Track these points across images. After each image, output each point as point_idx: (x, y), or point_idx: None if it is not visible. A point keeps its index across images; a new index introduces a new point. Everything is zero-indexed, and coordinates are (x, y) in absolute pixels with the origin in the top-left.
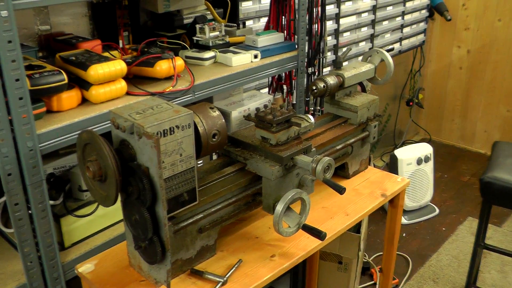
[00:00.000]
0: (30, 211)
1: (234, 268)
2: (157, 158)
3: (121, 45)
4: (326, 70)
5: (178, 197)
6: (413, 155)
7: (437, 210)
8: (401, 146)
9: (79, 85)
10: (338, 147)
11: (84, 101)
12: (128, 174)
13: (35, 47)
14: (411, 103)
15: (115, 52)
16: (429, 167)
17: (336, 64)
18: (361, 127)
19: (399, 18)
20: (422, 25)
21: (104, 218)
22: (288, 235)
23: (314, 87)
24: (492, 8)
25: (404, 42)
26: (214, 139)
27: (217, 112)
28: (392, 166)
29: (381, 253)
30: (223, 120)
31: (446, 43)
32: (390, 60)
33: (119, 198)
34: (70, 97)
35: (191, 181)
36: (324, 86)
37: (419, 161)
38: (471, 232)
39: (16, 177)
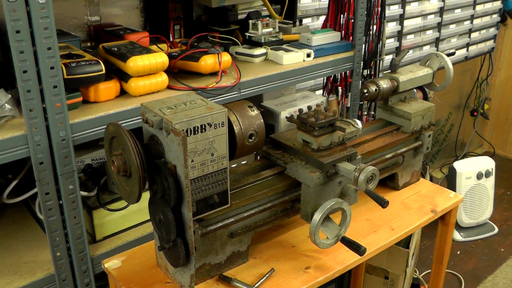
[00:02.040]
0: (60, 201)
1: (265, 278)
2: (183, 156)
3: (170, 39)
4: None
5: (208, 198)
6: (473, 169)
7: (496, 229)
8: (462, 158)
9: (119, 76)
10: (387, 156)
11: (123, 93)
12: (154, 172)
13: (78, 37)
14: (475, 113)
15: (163, 45)
16: (490, 183)
17: (392, 67)
18: (414, 136)
19: (467, 22)
20: (492, 30)
21: (138, 213)
22: (325, 247)
23: (365, 90)
24: None
25: (472, 48)
26: (250, 140)
27: (256, 111)
28: (451, 179)
29: None
30: (262, 120)
31: None
32: (450, 65)
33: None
34: (108, 88)
35: (223, 182)
36: (376, 89)
37: (479, 176)
38: None
39: (47, 166)
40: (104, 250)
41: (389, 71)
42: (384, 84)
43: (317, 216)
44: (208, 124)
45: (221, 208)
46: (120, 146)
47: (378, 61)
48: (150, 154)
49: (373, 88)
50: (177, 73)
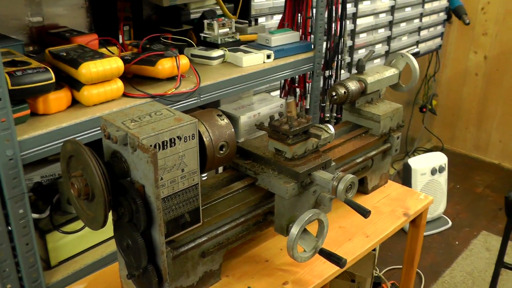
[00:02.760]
0: (9, 227)
1: None
2: (153, 175)
3: (120, 41)
4: (343, 73)
5: (179, 218)
6: (428, 165)
7: (450, 223)
8: (413, 153)
9: (70, 84)
10: (358, 161)
11: (75, 103)
12: (119, 193)
13: (21, 41)
14: (424, 109)
15: (113, 48)
16: (443, 178)
17: (358, 68)
18: (383, 139)
19: (417, 20)
20: (439, 28)
21: (96, 234)
22: (303, 261)
23: (334, 93)
24: None
25: (421, 45)
26: (221, 152)
27: (226, 120)
28: (406, 176)
29: (393, 267)
30: (233, 130)
31: (462, 48)
32: (416, 65)
33: (110, 217)
34: (59, 98)
35: (194, 200)
36: (345, 92)
37: (433, 171)
38: (486, 247)
39: None
40: (60, 277)
41: (356, 72)
42: (353, 86)
43: (295, 230)
44: (177, 137)
45: (192, 227)
46: (80, 166)
47: (340, 61)
48: (114, 174)
49: (342, 90)
50: (131, 78)
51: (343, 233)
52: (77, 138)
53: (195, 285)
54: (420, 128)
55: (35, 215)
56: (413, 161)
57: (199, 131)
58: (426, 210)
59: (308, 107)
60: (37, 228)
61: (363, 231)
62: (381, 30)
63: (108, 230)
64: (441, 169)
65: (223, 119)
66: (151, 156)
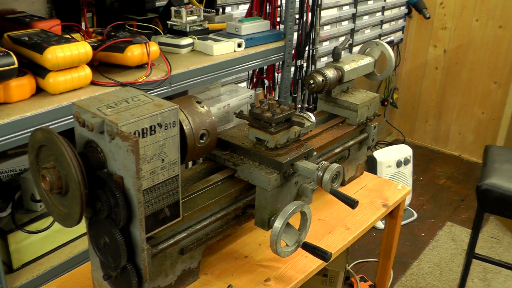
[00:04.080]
0: None
1: None
2: (135, 165)
3: (84, 28)
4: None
5: (158, 213)
6: (393, 157)
7: (416, 215)
8: (374, 146)
9: (33, 71)
10: (336, 151)
11: (40, 91)
12: (96, 186)
13: None
14: (385, 103)
15: (77, 35)
16: (408, 170)
17: (334, 56)
18: (360, 128)
19: (379, 14)
20: (401, 22)
21: (63, 232)
22: (286, 256)
23: (311, 81)
24: (469, 8)
25: (383, 39)
26: (202, 141)
27: (206, 108)
28: (371, 169)
29: (361, 260)
30: (213, 118)
31: (422, 42)
32: (392, 53)
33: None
34: (21, 85)
35: (174, 192)
36: (323, 80)
37: (398, 164)
38: (451, 238)
39: None
40: (24, 281)
41: (332, 60)
42: (330, 74)
43: (278, 224)
44: (158, 124)
45: (172, 222)
46: (52, 156)
47: (312, 50)
48: (89, 165)
49: (319, 78)
50: (97, 66)
51: (322, 225)
52: None
53: (173, 285)
54: (382, 121)
55: None
56: (378, 154)
57: (179, 119)
58: (404, 201)
59: (277, 98)
60: None
61: (343, 223)
62: (345, 23)
63: (76, 228)
64: (406, 161)
65: (203, 106)
66: (132, 144)
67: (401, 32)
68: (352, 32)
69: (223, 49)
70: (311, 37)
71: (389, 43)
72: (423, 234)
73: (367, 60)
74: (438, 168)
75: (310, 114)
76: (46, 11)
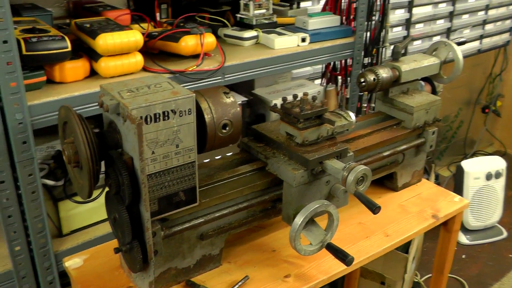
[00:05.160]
0: (19, 191)
1: (237, 286)
2: (138, 147)
3: (156, 19)
4: None
5: (172, 196)
6: (483, 169)
7: (505, 233)
8: (472, 156)
9: (89, 55)
10: (384, 154)
11: (94, 74)
12: (108, 163)
13: (49, 11)
14: (487, 110)
15: (145, 25)
16: (499, 184)
17: (393, 55)
18: (417, 133)
19: (481, 13)
20: (508, 22)
21: None
22: (308, 254)
23: (362, 80)
24: None
25: (485, 40)
26: (224, 131)
27: (232, 99)
28: (458, 179)
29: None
30: (238, 109)
31: None
32: (460, 55)
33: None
34: (75, 67)
35: (190, 178)
36: (374, 79)
37: (488, 176)
38: None
39: (2, 153)
40: (69, 246)
41: (391, 59)
42: (384, 73)
43: (298, 220)
44: (171, 111)
45: (188, 207)
46: (72, 133)
47: (381, 49)
48: (106, 144)
49: (371, 77)
50: (157, 54)
51: (361, 229)
52: (89, 109)
53: (192, 268)
54: (481, 130)
55: (49, 182)
56: (467, 164)
57: (200, 108)
58: (460, 214)
59: (348, 96)
60: (51, 196)
61: (383, 229)
62: (440, 21)
63: None
64: (497, 175)
65: (229, 97)
66: (136, 127)
67: (508, 33)
68: (448, 31)
69: (286, 43)
70: (382, 35)
71: (460, 44)
72: (510, 256)
73: (431, 60)
74: None
75: (351, 113)
76: (124, 2)
